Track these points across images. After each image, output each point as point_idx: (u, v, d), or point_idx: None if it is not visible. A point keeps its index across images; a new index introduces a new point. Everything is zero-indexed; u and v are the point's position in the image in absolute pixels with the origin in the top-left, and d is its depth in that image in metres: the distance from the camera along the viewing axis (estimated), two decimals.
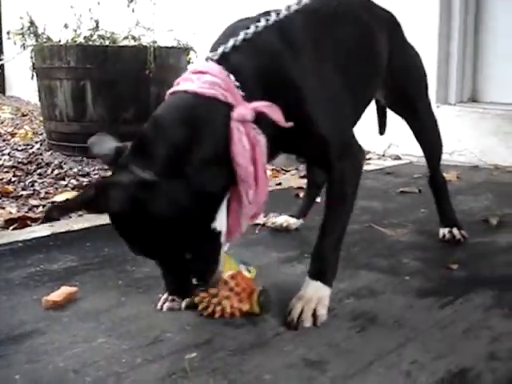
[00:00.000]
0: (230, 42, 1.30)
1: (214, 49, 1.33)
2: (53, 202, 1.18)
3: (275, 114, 1.24)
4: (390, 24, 1.81)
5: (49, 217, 1.12)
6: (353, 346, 1.26)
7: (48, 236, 2.00)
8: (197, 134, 1.17)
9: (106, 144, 1.27)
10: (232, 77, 1.25)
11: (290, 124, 1.26)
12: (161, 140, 1.16)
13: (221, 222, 1.24)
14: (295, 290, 1.45)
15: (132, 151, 1.19)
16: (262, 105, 1.22)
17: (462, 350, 1.24)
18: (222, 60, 1.28)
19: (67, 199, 1.16)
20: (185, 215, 1.16)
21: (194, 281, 1.26)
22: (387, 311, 1.43)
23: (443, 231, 1.98)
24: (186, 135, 1.16)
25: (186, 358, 1.19)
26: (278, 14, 1.39)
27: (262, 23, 1.34)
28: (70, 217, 2.40)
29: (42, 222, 1.09)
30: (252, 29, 1.32)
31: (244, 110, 1.21)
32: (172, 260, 1.24)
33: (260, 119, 1.22)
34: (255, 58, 1.30)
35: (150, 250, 1.23)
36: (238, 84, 1.24)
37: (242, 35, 1.31)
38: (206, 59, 1.30)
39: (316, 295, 1.38)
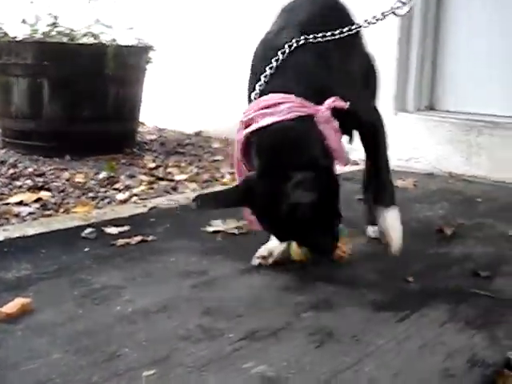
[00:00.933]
0: (273, 65, 1.58)
1: (254, 73, 1.64)
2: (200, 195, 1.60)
3: (341, 103, 1.56)
4: None
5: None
6: (311, 361, 1.27)
7: (1, 241, 1.96)
8: (306, 143, 1.53)
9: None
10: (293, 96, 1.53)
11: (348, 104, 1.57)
12: (288, 158, 1.50)
13: None
14: (253, 302, 1.47)
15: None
16: (332, 101, 1.55)
17: (418, 367, 1.27)
18: (277, 86, 1.56)
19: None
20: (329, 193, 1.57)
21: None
22: (345, 325, 1.44)
23: (373, 230, 2.08)
24: (302, 150, 1.52)
25: (143, 376, 1.18)
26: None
27: (293, 44, 1.61)
28: (25, 220, 2.37)
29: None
30: (284, 50, 1.59)
31: (324, 112, 1.53)
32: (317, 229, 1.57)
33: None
34: (298, 73, 1.60)
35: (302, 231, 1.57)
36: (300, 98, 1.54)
37: (279, 57, 1.59)
38: (262, 93, 1.58)
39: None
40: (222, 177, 3.17)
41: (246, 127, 1.57)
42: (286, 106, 1.51)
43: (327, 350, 1.32)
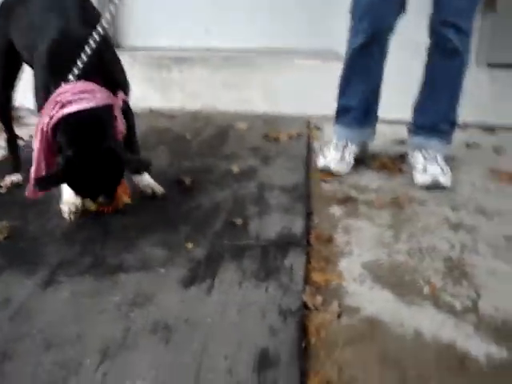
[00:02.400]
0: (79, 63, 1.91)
1: (60, 70, 1.92)
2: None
3: (125, 97, 2.12)
4: None
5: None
6: (172, 365, 1.42)
7: None
8: (110, 125, 1.99)
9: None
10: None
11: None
12: (99, 135, 1.94)
13: None
14: (79, 317, 1.56)
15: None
16: (122, 95, 2.07)
17: (248, 332, 1.50)
18: (89, 74, 1.93)
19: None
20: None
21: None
22: (173, 317, 1.58)
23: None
24: (108, 130, 1.97)
25: None
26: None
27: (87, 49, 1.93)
28: None
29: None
30: (83, 53, 1.91)
31: (119, 103, 2.03)
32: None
33: None
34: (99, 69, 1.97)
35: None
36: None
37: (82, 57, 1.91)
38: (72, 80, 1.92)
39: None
40: None
41: (61, 106, 1.88)
42: (100, 95, 1.93)
43: (172, 345, 1.48)
